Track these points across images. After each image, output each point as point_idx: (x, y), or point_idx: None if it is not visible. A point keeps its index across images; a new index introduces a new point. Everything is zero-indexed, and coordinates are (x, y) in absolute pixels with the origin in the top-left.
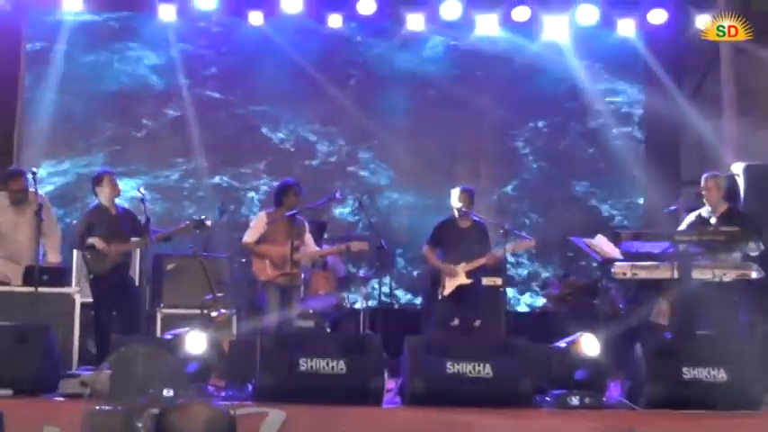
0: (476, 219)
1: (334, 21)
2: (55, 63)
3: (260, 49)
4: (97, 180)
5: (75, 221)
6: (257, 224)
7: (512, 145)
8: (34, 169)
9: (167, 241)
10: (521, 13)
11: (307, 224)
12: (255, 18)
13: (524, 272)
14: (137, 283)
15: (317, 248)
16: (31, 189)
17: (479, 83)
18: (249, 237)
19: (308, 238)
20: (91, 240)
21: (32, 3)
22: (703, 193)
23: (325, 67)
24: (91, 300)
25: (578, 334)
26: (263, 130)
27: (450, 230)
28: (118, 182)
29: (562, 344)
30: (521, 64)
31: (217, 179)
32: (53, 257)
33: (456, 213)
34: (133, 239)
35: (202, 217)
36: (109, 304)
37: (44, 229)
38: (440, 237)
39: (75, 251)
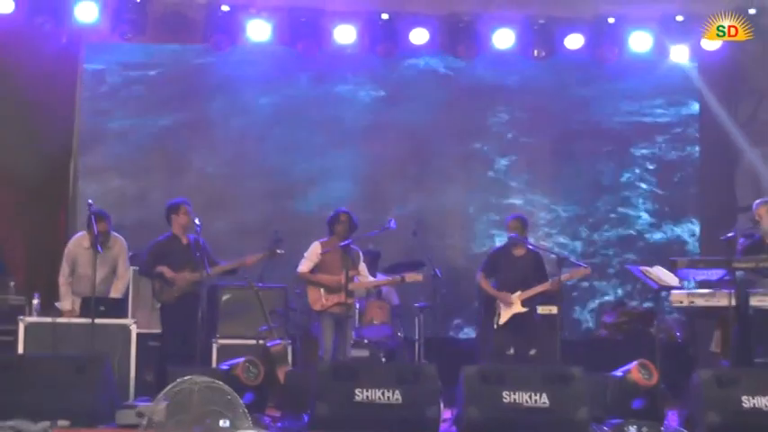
0: (530, 247)
1: (386, 50)
2: (109, 94)
3: (314, 80)
4: (174, 208)
5: (144, 250)
6: (311, 254)
7: (570, 170)
8: (90, 201)
9: (232, 274)
10: (574, 41)
11: (361, 253)
12: (308, 49)
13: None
14: None
15: (372, 278)
16: (114, 233)
17: (531, 111)
18: (304, 266)
19: (363, 267)
20: (160, 268)
21: (89, 34)
22: (756, 219)
23: (379, 92)
24: (148, 330)
25: (635, 362)
26: (319, 160)
27: (505, 259)
28: (191, 212)
29: (618, 372)
30: (572, 92)
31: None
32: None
33: (510, 241)
34: (200, 270)
35: (275, 248)
36: (176, 334)
37: (116, 270)
38: (494, 265)
39: (130, 282)
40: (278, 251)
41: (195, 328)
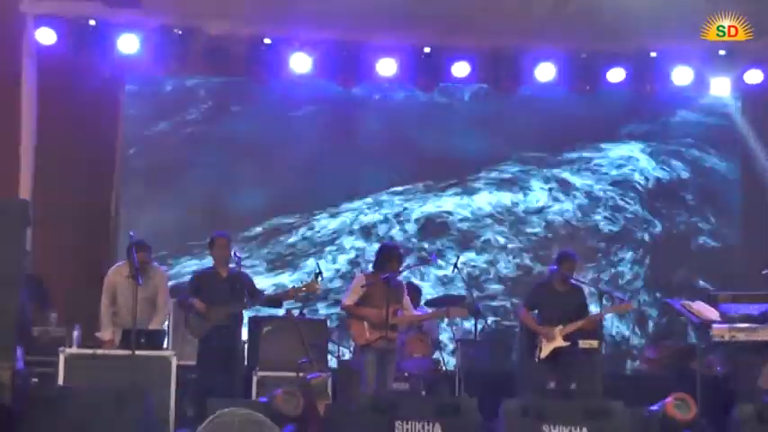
0: (572, 281)
1: (429, 85)
2: (151, 127)
3: (354, 114)
4: (210, 242)
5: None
6: (355, 286)
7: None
8: (132, 232)
9: (273, 306)
10: (615, 75)
11: (405, 287)
12: (349, 82)
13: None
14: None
15: (416, 312)
16: (155, 264)
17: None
18: (349, 299)
19: (407, 301)
20: (191, 301)
21: (131, 68)
22: None
23: (421, 127)
24: (188, 362)
25: (673, 396)
26: (371, 187)
27: (547, 293)
28: (230, 245)
29: (655, 407)
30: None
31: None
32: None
33: (552, 275)
34: (239, 303)
35: (316, 284)
36: (211, 366)
37: (156, 302)
38: (536, 299)
39: (170, 314)
40: (317, 285)
41: (230, 360)
